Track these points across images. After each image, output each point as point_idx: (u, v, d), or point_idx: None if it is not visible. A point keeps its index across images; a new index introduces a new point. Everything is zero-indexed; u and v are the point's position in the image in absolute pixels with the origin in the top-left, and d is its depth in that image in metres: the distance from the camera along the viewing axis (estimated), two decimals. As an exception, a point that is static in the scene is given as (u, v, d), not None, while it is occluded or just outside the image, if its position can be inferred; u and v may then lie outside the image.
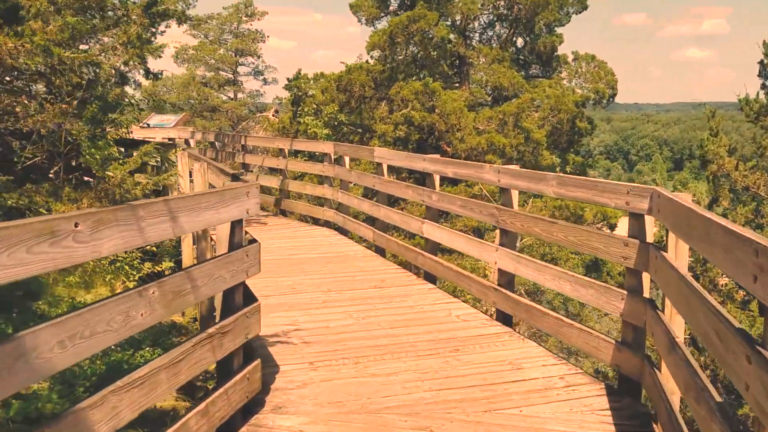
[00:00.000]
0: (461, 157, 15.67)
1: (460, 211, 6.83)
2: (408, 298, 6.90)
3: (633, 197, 4.47)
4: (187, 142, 15.96)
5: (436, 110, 16.21)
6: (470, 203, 6.66)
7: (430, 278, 7.55)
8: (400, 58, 17.66)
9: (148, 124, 18.29)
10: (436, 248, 7.59)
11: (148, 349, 5.43)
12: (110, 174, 6.73)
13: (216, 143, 14.97)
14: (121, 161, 6.75)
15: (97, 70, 7.58)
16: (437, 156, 7.56)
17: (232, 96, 29.11)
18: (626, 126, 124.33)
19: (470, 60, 19.48)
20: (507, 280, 6.07)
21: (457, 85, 19.53)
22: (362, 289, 7.21)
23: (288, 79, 17.63)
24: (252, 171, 13.46)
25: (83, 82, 7.60)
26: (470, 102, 18.25)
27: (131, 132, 14.35)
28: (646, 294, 4.53)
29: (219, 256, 3.74)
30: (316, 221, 11.55)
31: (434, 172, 7.41)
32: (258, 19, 29.13)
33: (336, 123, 16.20)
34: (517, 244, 6.44)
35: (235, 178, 4.85)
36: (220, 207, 3.61)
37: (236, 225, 3.91)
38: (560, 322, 5.22)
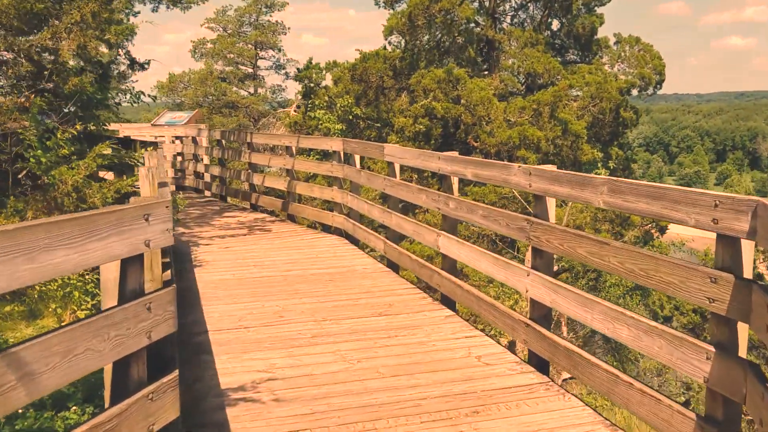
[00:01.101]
0: (491, 152, 14.26)
1: (482, 222, 5.48)
2: (418, 329, 5.59)
3: (724, 212, 3.09)
4: (194, 140, 14.87)
5: (462, 101, 14.73)
6: (494, 213, 5.30)
7: (448, 302, 6.22)
8: (420, 43, 16.17)
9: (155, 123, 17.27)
10: (454, 267, 6.25)
11: (76, 408, 4.23)
12: (58, 179, 5.56)
13: (222, 141, 13.84)
14: (71, 165, 5.58)
15: (53, 57, 6.40)
16: (454, 154, 6.20)
17: (252, 91, 28.04)
18: (666, 117, 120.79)
19: (500, 44, 17.86)
20: (541, 313, 4.71)
21: (486, 72, 17.97)
22: (364, 317, 5.92)
23: (298, 69, 16.35)
24: (260, 170, 12.28)
25: (44, 71, 6.45)
26: (500, 91, 16.72)
27: (120, 130, 13.36)
28: (744, 353, 3.15)
29: (90, 317, 2.47)
30: (325, 228, 10.29)
31: (451, 173, 6.07)
32: (278, 11, 27.99)
33: (351, 117, 14.88)
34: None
35: (162, 185, 3.59)
36: (88, 241, 2.35)
37: (129, 265, 2.66)
38: (614, 378, 3.85)
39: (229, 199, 13.50)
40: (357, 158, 9.14)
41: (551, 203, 4.62)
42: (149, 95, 10.70)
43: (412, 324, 5.73)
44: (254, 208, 12.38)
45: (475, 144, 14.86)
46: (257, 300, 6.47)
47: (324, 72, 17.08)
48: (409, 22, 15.54)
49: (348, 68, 15.90)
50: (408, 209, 11.93)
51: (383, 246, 7.88)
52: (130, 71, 10.47)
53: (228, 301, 6.46)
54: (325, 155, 11.71)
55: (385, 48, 16.98)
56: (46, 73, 6.93)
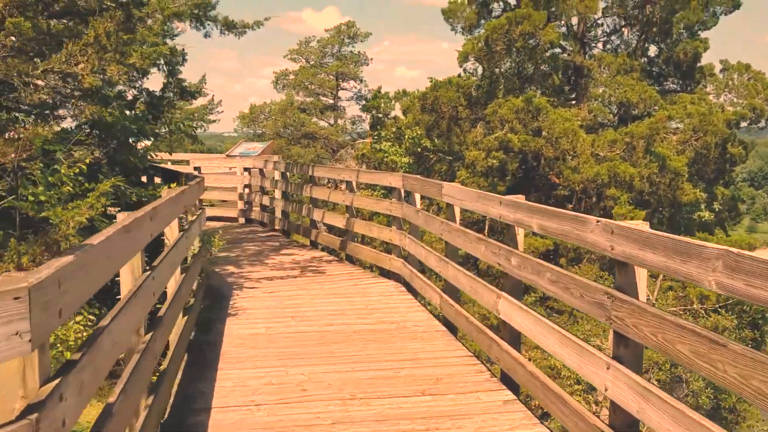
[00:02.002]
0: (575, 191, 12.83)
1: (549, 288, 4.31)
2: (467, 420, 4.45)
3: None
4: (261, 172, 14.33)
5: (543, 132, 13.43)
6: (565, 279, 4.12)
7: (509, 381, 5.04)
8: (499, 70, 14.98)
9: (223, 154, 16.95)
10: (517, 338, 5.07)
11: None
12: (58, 219, 4.86)
13: (287, 174, 13.21)
14: (65, 205, 4.87)
15: (73, 83, 5.80)
16: (518, 198, 5.06)
17: (332, 122, 27.70)
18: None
19: (589, 71, 16.38)
20: (625, 422, 3.48)
21: (572, 102, 16.56)
22: (402, 397, 4.83)
23: (365, 99, 15.57)
24: (321, 206, 11.49)
25: (52, 99, 5.85)
26: (588, 122, 15.25)
27: (165, 162, 12.90)
28: None
29: None
30: (384, 272, 9.29)
31: (514, 222, 4.94)
32: (361, 41, 27.62)
33: (420, 149, 13.87)
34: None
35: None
36: None
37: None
38: None
39: (293, 234, 12.78)
40: (417, 197, 8.13)
41: (641, 274, 3.42)
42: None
43: (460, 411, 4.59)
44: (314, 245, 11.58)
45: (557, 181, 13.47)
46: (283, 364, 5.52)
47: (393, 102, 16.21)
48: (487, 47, 14.38)
49: (418, 97, 14.93)
50: (471, 258, 10.85)
51: (439, 300, 6.79)
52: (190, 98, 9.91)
53: (249, 364, 5.55)
54: (390, 191, 10.74)
55: (459, 76, 15.88)
56: (52, 101, 6.37)
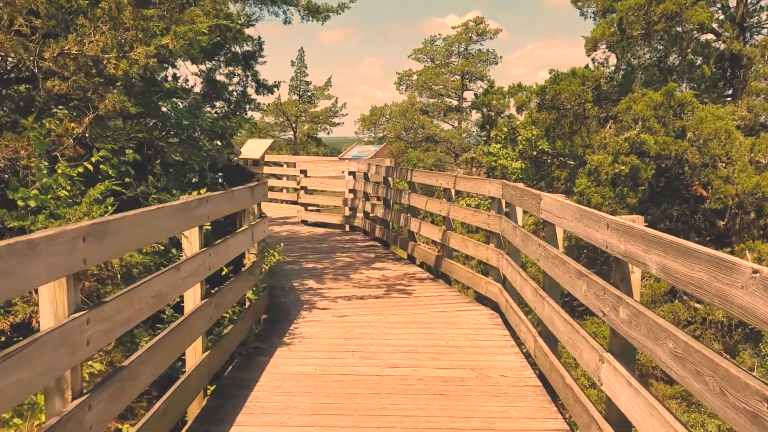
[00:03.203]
0: (729, 206, 10.53)
1: (670, 365, 2.78)
2: None
3: None
4: (366, 176, 13.32)
5: (688, 134, 11.17)
6: (697, 356, 2.58)
7: (611, 483, 3.51)
8: (635, 59, 12.75)
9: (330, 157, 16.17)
10: (624, 422, 3.52)
11: None
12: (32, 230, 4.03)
13: (388, 179, 12.10)
14: (53, 212, 4.00)
15: (98, 68, 4.99)
16: (634, 222, 3.51)
17: (455, 125, 26.31)
18: None
19: (750, 62, 13.68)
20: None
21: (728, 99, 13.96)
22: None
23: (475, 95, 14.00)
24: (417, 215, 10.25)
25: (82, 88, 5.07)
26: (746, 123, 12.69)
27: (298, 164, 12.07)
28: None
29: None
30: (480, 297, 7.88)
31: (624, 256, 3.42)
32: (490, 38, 26.01)
33: (535, 153, 12.10)
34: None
35: None
36: None
37: None
38: None
39: (392, 245, 11.64)
40: (519, 210, 6.67)
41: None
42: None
43: None
44: (411, 259, 10.36)
45: (704, 193, 11.17)
46: (314, 422, 4.34)
47: (507, 98, 14.44)
48: (620, 31, 12.21)
49: (535, 92, 13.07)
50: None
51: (533, 344, 5.32)
52: (258, 93, 9.10)
53: (275, 419, 4.43)
54: (492, 202, 9.20)
55: (586, 67, 13.75)
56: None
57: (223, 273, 5.73)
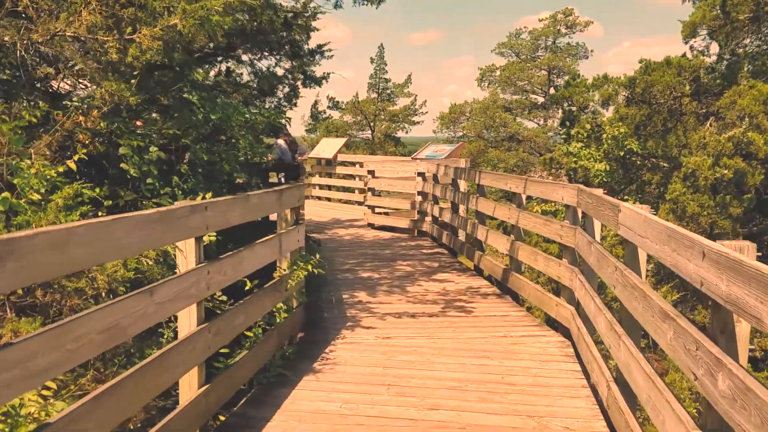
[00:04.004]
0: None
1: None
2: None
3: None
4: (435, 177, 12.40)
5: (811, 132, 9.48)
6: None
7: None
8: (741, 50, 11.00)
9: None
10: None
11: None
12: None
13: (457, 181, 11.13)
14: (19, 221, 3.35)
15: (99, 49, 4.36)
16: (738, 252, 2.46)
17: (541, 123, 24.82)
18: None
19: None
20: None
21: None
22: None
23: (555, 88, 12.63)
24: (486, 222, 9.24)
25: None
26: None
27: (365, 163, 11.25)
28: None
29: None
30: (550, 320, 6.83)
31: (726, 300, 2.38)
32: (581, 31, 24.36)
33: (622, 153, 10.65)
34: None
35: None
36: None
37: None
38: None
39: (460, 254, 10.67)
40: (596, 222, 5.59)
41: None
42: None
43: None
44: (478, 271, 9.38)
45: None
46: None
47: (591, 92, 12.96)
48: (724, 14, 10.57)
49: (623, 84, 11.58)
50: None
51: (606, 391, 4.28)
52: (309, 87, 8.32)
53: (273, 476, 3.64)
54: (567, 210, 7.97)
55: (683, 56, 12.07)
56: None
57: (247, 288, 5.03)
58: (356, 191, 18.50)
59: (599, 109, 12.51)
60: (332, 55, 11.46)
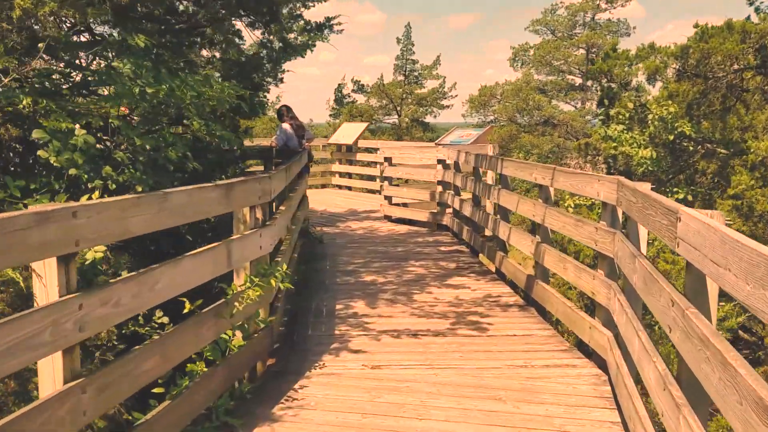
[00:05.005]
0: None
1: None
2: None
3: None
4: (456, 165, 11.09)
5: None
6: None
7: None
8: None
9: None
10: None
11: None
12: None
13: (479, 170, 9.82)
14: None
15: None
16: None
17: (578, 105, 23.11)
18: None
19: None
20: None
21: None
22: None
23: (591, 62, 11.01)
24: (509, 218, 7.92)
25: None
26: None
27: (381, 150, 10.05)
28: None
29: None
30: (582, 344, 5.53)
31: None
32: (622, 6, 22.51)
33: (672, 137, 9.08)
34: None
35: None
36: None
37: None
38: None
39: (480, 253, 9.38)
40: (642, 229, 4.26)
41: None
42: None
43: None
44: (499, 275, 8.08)
45: None
46: None
47: (634, 64, 11.24)
48: None
49: (674, 55, 9.90)
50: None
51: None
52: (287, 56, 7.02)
53: None
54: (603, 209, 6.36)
55: (747, 19, 10.23)
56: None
57: (186, 310, 3.89)
58: (377, 180, 17.28)
59: (644, 85, 10.93)
60: (342, 30, 10.26)
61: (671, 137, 8.83)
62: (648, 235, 4.34)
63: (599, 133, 9.73)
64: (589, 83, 22.81)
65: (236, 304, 4.00)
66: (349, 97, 26.44)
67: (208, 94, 4.55)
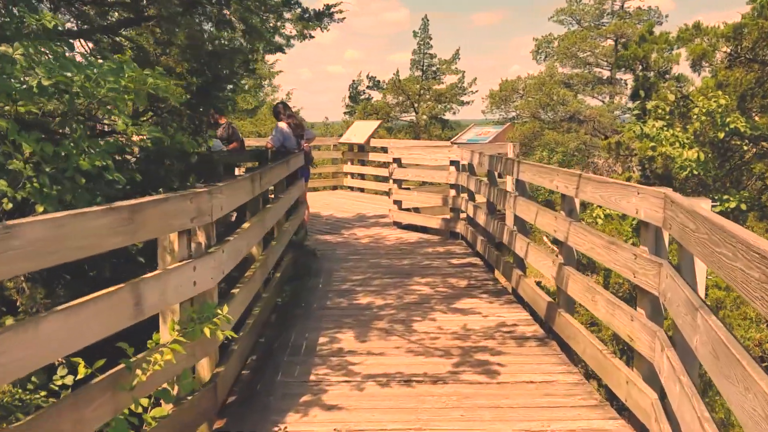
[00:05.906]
0: None
1: None
2: None
3: None
4: (471, 167, 9.94)
5: None
6: None
7: None
8: None
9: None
10: None
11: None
12: None
13: (494, 173, 8.69)
14: None
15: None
16: None
17: (606, 100, 21.68)
18: None
19: None
20: None
21: None
22: None
23: (623, 47, 9.63)
24: (527, 231, 6.78)
25: None
26: None
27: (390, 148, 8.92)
28: None
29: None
30: (614, 399, 4.37)
31: None
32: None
33: (722, 135, 7.73)
34: None
35: None
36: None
37: None
38: None
39: (496, 268, 8.23)
40: (699, 263, 3.09)
41: None
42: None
43: None
44: (517, 296, 6.94)
45: None
46: None
47: (675, 49, 9.74)
48: None
49: (724, 36, 8.45)
50: None
51: None
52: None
53: None
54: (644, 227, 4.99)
55: None
56: None
57: (80, 376, 2.87)
58: (390, 181, 16.18)
59: (687, 73, 9.59)
60: (343, 18, 9.20)
61: (721, 135, 7.49)
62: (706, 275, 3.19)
63: (633, 130, 8.41)
64: (618, 76, 21.36)
65: (138, 372, 2.92)
66: (365, 93, 25.36)
67: (124, 83, 3.50)
